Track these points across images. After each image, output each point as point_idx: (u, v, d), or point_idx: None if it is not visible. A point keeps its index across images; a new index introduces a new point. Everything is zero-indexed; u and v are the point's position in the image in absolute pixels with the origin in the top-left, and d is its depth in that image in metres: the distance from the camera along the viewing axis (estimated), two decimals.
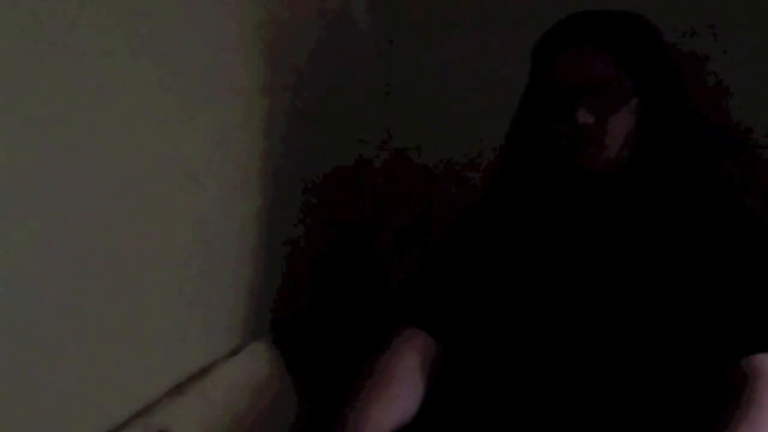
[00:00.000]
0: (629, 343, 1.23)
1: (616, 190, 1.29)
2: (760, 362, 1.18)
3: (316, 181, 1.64)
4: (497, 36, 1.60)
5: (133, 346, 1.20)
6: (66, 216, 1.07)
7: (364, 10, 1.67)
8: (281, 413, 1.44)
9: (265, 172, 1.48)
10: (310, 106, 1.58)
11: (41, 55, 1.01)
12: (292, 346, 1.53)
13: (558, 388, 1.24)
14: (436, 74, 1.67)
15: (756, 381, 1.16)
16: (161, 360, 1.27)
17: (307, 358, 1.56)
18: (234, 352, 1.41)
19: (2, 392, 1.00)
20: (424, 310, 1.35)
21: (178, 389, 1.27)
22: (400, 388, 1.25)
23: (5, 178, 0.98)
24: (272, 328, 1.51)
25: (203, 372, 1.33)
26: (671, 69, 1.31)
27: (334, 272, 1.72)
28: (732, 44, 1.45)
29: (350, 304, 1.73)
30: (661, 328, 1.23)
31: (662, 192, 1.30)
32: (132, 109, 1.16)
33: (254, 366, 1.43)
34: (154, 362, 1.25)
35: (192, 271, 1.32)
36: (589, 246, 1.30)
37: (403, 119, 1.71)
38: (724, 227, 1.28)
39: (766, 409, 1.13)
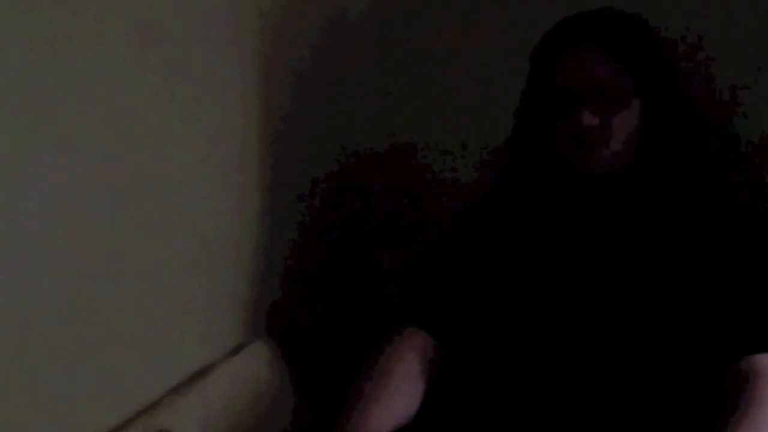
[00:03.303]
0: (630, 343, 1.23)
1: (618, 191, 1.29)
2: (760, 362, 1.18)
3: (316, 181, 1.64)
4: (498, 33, 1.59)
5: (133, 346, 1.20)
6: (66, 218, 1.07)
7: (364, 8, 1.67)
8: (281, 413, 1.44)
9: (265, 172, 1.47)
10: (310, 107, 1.57)
11: (39, 57, 1.01)
12: (292, 345, 1.53)
13: (559, 387, 1.24)
14: (437, 74, 1.67)
15: (756, 381, 1.16)
16: (161, 360, 1.27)
17: (307, 358, 1.56)
18: (234, 352, 1.41)
19: (3, 392, 1.00)
20: (424, 309, 1.35)
21: (178, 389, 1.27)
22: (401, 388, 1.25)
23: (5, 182, 0.98)
24: (272, 328, 1.51)
25: (203, 372, 1.33)
26: (671, 69, 1.32)
27: (333, 272, 1.72)
28: (734, 46, 1.45)
29: (350, 303, 1.73)
30: (661, 328, 1.23)
31: (663, 192, 1.30)
32: (129, 113, 1.16)
33: (254, 366, 1.43)
34: (154, 362, 1.25)
35: (192, 272, 1.32)
36: (591, 247, 1.30)
37: (404, 119, 1.71)
38: (724, 228, 1.28)
39: (766, 409, 1.13)
